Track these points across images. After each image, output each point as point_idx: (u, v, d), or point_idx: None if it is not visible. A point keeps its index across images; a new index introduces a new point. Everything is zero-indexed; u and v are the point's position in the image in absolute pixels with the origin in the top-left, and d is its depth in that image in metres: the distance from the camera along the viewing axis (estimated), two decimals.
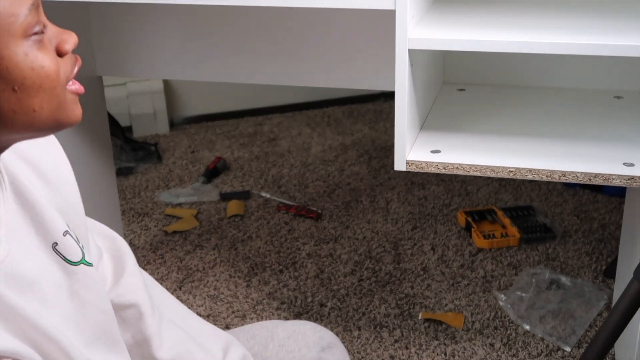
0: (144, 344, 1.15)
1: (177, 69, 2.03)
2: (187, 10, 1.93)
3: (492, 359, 1.96)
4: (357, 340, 2.04)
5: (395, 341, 2.04)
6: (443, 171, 1.41)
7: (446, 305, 2.16)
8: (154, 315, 1.17)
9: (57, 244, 0.98)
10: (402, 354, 1.99)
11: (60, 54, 0.86)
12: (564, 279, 2.19)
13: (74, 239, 1.02)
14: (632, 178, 1.33)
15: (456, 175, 2.73)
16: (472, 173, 1.41)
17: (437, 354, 1.99)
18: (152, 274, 2.33)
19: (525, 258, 2.35)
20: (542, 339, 2.01)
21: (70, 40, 0.87)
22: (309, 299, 2.22)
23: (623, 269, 1.95)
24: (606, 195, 2.66)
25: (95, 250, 1.14)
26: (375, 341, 2.04)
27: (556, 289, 2.17)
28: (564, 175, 1.36)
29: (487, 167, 1.39)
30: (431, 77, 1.62)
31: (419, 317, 2.11)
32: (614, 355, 1.93)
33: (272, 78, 1.98)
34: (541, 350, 1.98)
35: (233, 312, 2.18)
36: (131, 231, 2.59)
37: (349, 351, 1.34)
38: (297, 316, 2.15)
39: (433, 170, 1.42)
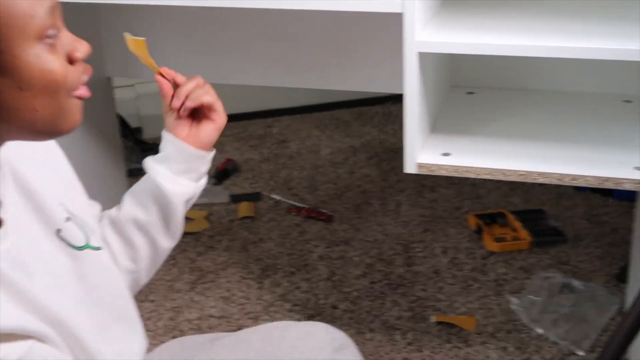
0: None
1: (187, 71, 2.02)
2: (196, 12, 1.94)
3: None
4: (369, 343, 2.05)
5: (409, 344, 2.04)
6: (454, 174, 1.42)
7: (458, 308, 2.17)
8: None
9: (60, 230, 1.00)
10: (415, 357, 2.00)
11: (71, 61, 0.87)
12: (576, 283, 2.19)
13: (77, 225, 1.03)
14: None
15: (466, 178, 2.73)
16: (482, 176, 1.41)
17: (450, 357, 1.99)
18: (164, 275, 2.36)
19: (537, 261, 2.35)
20: (555, 343, 2.01)
21: (82, 49, 0.89)
22: (321, 301, 2.22)
23: (635, 273, 1.95)
24: (617, 199, 2.66)
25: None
26: (388, 344, 2.05)
27: (568, 292, 2.17)
28: (575, 179, 1.37)
29: (498, 170, 1.40)
30: (440, 80, 1.63)
31: (432, 320, 2.12)
32: None
33: (280, 80, 1.99)
34: (554, 354, 1.98)
35: (246, 313, 2.19)
36: None
37: (361, 353, 1.34)
38: (310, 318, 2.16)
39: (444, 173, 1.42)
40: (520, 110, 1.66)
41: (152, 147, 3.21)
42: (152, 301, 2.26)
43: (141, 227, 1.20)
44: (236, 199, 2.82)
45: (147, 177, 1.20)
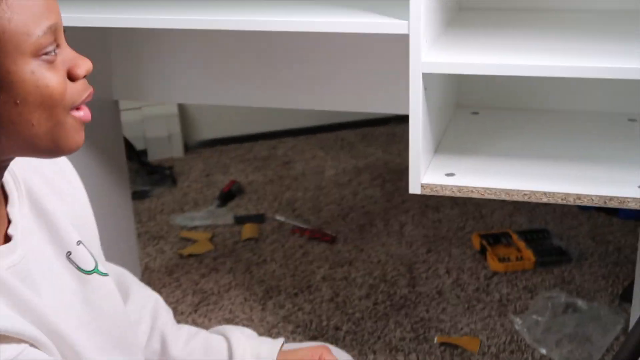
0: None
1: (192, 93, 2.04)
2: (201, 36, 1.94)
3: None
4: None
5: None
6: (458, 194, 1.41)
7: (462, 329, 2.15)
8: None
9: (70, 252, 1.01)
10: None
11: (71, 77, 0.88)
12: (580, 303, 2.18)
13: (87, 249, 1.04)
14: None
15: (470, 198, 2.72)
16: (486, 196, 1.40)
17: None
18: (167, 297, 2.34)
19: (541, 281, 2.34)
20: None
21: (84, 66, 0.89)
22: (324, 323, 2.21)
23: None
24: (621, 219, 2.65)
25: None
26: None
27: (572, 312, 2.15)
28: (579, 198, 1.36)
29: (502, 190, 1.39)
30: (445, 100, 1.62)
31: (435, 341, 2.10)
32: None
33: (285, 101, 1.99)
34: None
35: None
36: (147, 254, 2.60)
37: None
38: (313, 339, 2.14)
39: (448, 193, 1.42)
40: (525, 130, 1.66)
41: (157, 170, 3.21)
42: None
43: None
44: (240, 220, 2.81)
45: (222, 346, 1.24)
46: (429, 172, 1.45)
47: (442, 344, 2.10)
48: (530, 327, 2.10)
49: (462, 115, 1.76)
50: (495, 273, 2.39)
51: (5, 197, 0.95)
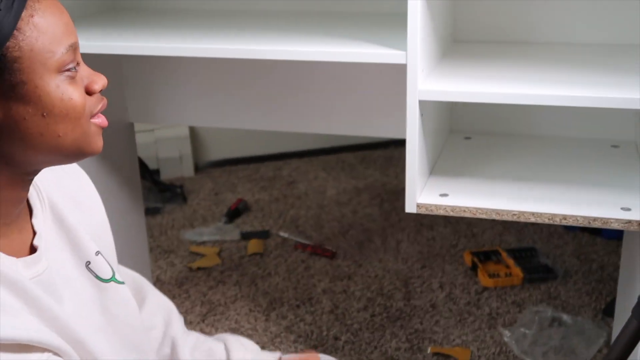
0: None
1: (202, 117, 2.05)
2: (212, 63, 1.95)
3: None
4: None
5: None
6: (451, 214, 1.41)
7: (454, 340, 2.14)
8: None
9: (90, 262, 1.02)
10: None
11: (89, 92, 0.91)
12: (565, 317, 2.17)
13: (105, 259, 1.05)
14: (629, 222, 1.32)
15: (463, 218, 2.72)
16: (478, 216, 1.40)
17: None
18: (177, 307, 2.32)
19: (529, 297, 2.33)
20: None
21: (100, 81, 0.92)
22: (324, 333, 2.21)
23: (621, 308, 1.93)
24: (605, 239, 2.65)
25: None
26: None
27: (558, 326, 2.15)
28: (565, 219, 1.36)
29: (492, 210, 1.39)
30: (439, 126, 1.63)
31: (428, 351, 2.10)
32: None
33: (290, 125, 1.99)
34: None
35: None
36: (158, 267, 2.59)
37: None
38: (313, 349, 2.13)
39: (442, 212, 1.42)
40: (514, 154, 1.66)
41: (169, 188, 3.21)
42: None
43: None
44: (246, 236, 2.81)
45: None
46: (424, 192, 1.45)
47: (435, 354, 2.09)
48: (518, 340, 2.09)
49: (456, 140, 1.76)
50: (485, 288, 2.39)
51: (30, 210, 0.96)
